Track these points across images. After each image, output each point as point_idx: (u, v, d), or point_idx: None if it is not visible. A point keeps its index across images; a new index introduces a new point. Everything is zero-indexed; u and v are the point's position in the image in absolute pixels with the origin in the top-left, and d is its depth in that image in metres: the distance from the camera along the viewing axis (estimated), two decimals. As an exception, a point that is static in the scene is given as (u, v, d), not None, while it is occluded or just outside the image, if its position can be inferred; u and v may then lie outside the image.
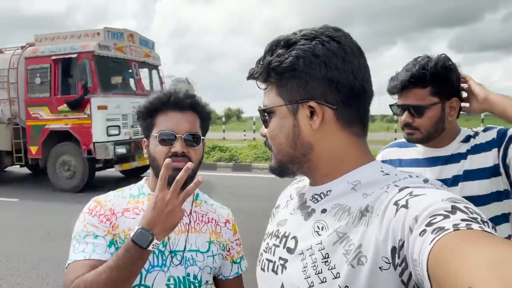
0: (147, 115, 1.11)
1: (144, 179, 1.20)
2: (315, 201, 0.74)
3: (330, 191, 0.72)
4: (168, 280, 1.04)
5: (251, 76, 0.76)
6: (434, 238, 0.47)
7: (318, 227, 0.70)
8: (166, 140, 1.06)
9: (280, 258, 0.75)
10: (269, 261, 0.77)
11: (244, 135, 19.45)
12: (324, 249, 0.66)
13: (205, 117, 1.15)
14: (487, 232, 0.47)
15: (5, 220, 5.63)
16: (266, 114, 0.75)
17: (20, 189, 8.09)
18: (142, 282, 1.03)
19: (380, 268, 0.58)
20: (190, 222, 1.12)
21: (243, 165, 10.38)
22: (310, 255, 0.68)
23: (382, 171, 0.70)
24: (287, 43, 0.70)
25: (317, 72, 0.68)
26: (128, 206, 1.10)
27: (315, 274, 0.66)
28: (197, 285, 1.08)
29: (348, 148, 0.72)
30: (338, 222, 0.67)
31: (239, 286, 1.23)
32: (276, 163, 0.77)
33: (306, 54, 0.67)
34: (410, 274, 0.55)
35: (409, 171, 0.72)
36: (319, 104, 0.69)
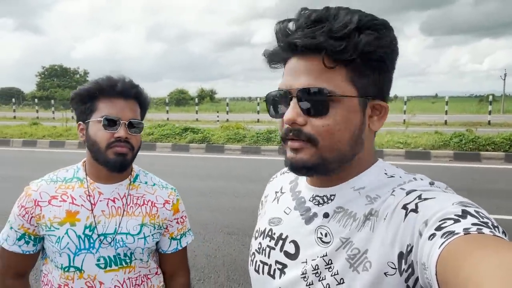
0: (88, 99, 1.12)
1: (82, 161, 1.22)
2: (317, 204, 0.69)
3: (334, 195, 0.68)
4: (98, 260, 1.11)
5: (311, 45, 0.60)
6: (443, 242, 0.47)
7: (321, 233, 0.66)
8: (111, 125, 1.09)
9: (277, 262, 0.71)
10: (264, 263, 0.73)
11: (217, 116, 19.40)
12: (326, 255, 0.64)
13: (145, 106, 1.19)
14: (498, 237, 0.46)
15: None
16: (322, 100, 0.61)
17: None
18: (71, 264, 1.10)
19: (385, 273, 0.57)
20: (123, 205, 1.16)
21: (216, 147, 10.46)
22: (311, 263, 0.65)
23: (386, 174, 0.67)
24: (375, 26, 0.60)
25: (392, 69, 0.64)
26: (57, 192, 1.14)
27: (318, 280, 0.63)
28: (128, 261, 1.14)
29: (371, 150, 0.69)
30: (343, 228, 0.64)
31: (179, 260, 1.29)
32: (317, 159, 0.63)
33: (396, 48, 0.62)
34: (416, 280, 0.54)
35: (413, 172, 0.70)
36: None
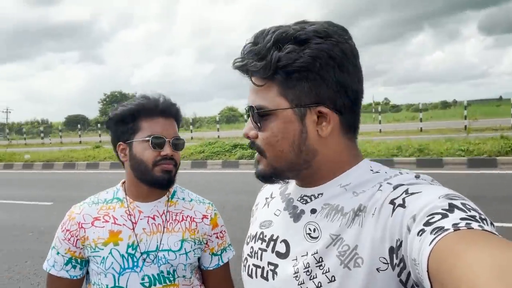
0: (130, 119, 1.13)
1: (121, 182, 1.24)
2: (304, 202, 0.71)
3: (322, 194, 0.70)
4: (142, 279, 1.11)
5: (242, 68, 0.68)
6: (434, 239, 0.47)
7: (310, 229, 0.67)
8: (158, 144, 1.11)
9: (270, 263, 0.71)
10: (257, 266, 0.74)
11: (267, 131, 19.43)
12: (317, 253, 0.64)
13: (179, 123, 1.23)
14: (488, 231, 0.46)
15: (40, 223, 5.97)
16: (260, 116, 0.68)
17: (55, 192, 8.52)
18: (117, 284, 1.10)
19: (377, 269, 0.57)
20: (163, 222, 1.17)
21: (265, 162, 10.46)
22: (303, 261, 0.65)
23: (371, 170, 0.69)
24: (297, 39, 0.63)
25: (330, 75, 0.63)
26: (99, 213, 1.16)
27: (310, 279, 0.63)
28: (171, 279, 1.14)
29: (345, 152, 0.70)
30: (331, 223, 0.65)
31: (221, 276, 1.27)
32: (270, 169, 0.70)
33: (322, 55, 0.62)
34: (409, 274, 0.54)
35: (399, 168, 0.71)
36: (330, 110, 0.65)
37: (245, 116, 0.73)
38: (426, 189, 0.58)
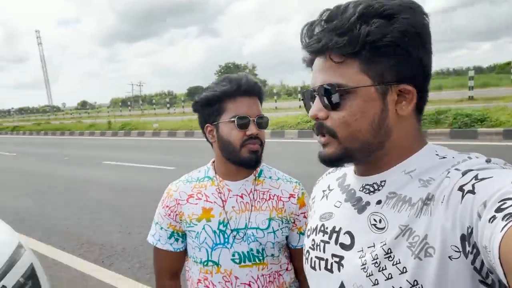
0: (215, 101, 1.16)
1: (211, 161, 1.29)
2: (368, 192, 0.69)
3: (385, 181, 0.68)
4: (233, 255, 1.16)
5: (321, 49, 0.64)
6: (506, 225, 0.45)
7: (375, 220, 0.66)
8: (243, 124, 1.13)
9: (334, 255, 0.70)
10: (320, 258, 0.73)
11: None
12: (385, 244, 0.62)
13: (262, 101, 1.22)
14: None
15: (164, 186, 6.75)
16: (337, 94, 0.64)
17: (177, 158, 9.51)
18: (209, 258, 1.17)
19: (449, 257, 0.55)
20: (250, 201, 1.19)
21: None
22: (370, 252, 0.64)
23: (437, 155, 0.65)
24: (383, 14, 0.61)
25: (415, 51, 0.62)
26: (193, 191, 1.23)
27: (379, 271, 0.62)
28: (260, 258, 1.17)
29: (414, 135, 0.67)
30: (399, 213, 0.63)
31: None
32: (340, 150, 0.67)
33: (411, 30, 0.60)
34: (483, 262, 0.53)
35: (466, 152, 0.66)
36: (412, 88, 0.64)
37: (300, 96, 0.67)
38: (498, 174, 0.55)
